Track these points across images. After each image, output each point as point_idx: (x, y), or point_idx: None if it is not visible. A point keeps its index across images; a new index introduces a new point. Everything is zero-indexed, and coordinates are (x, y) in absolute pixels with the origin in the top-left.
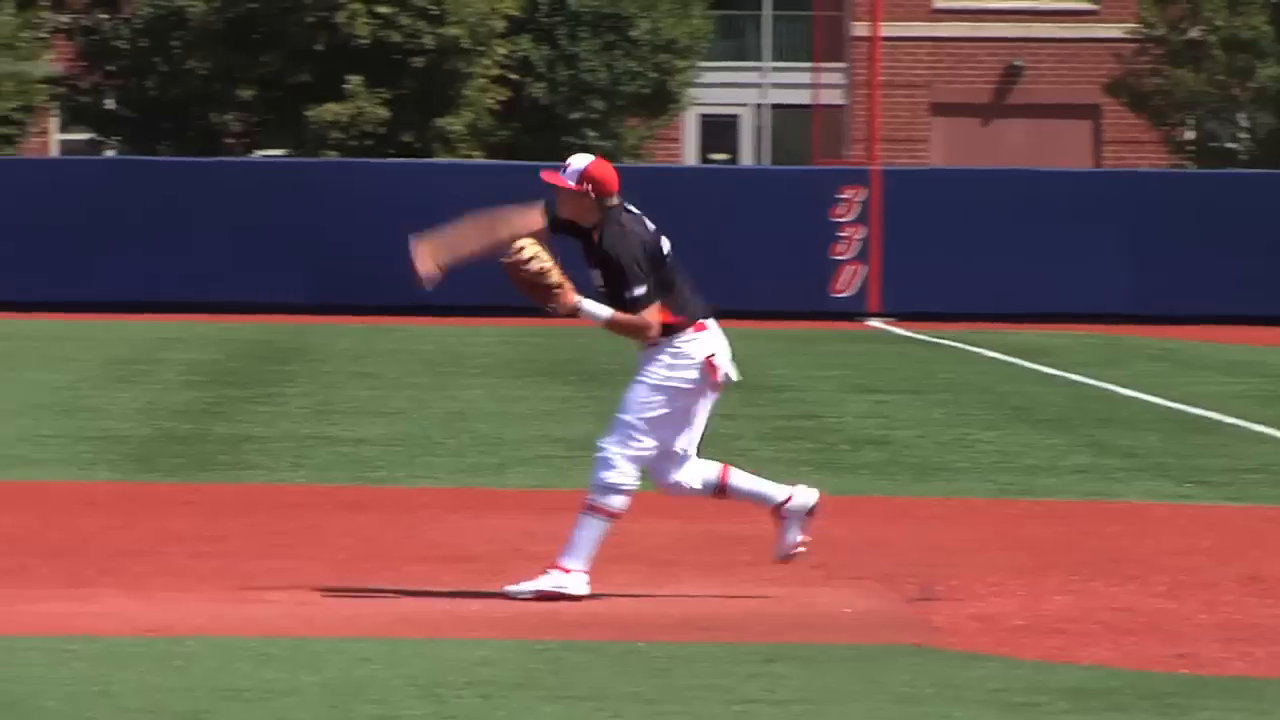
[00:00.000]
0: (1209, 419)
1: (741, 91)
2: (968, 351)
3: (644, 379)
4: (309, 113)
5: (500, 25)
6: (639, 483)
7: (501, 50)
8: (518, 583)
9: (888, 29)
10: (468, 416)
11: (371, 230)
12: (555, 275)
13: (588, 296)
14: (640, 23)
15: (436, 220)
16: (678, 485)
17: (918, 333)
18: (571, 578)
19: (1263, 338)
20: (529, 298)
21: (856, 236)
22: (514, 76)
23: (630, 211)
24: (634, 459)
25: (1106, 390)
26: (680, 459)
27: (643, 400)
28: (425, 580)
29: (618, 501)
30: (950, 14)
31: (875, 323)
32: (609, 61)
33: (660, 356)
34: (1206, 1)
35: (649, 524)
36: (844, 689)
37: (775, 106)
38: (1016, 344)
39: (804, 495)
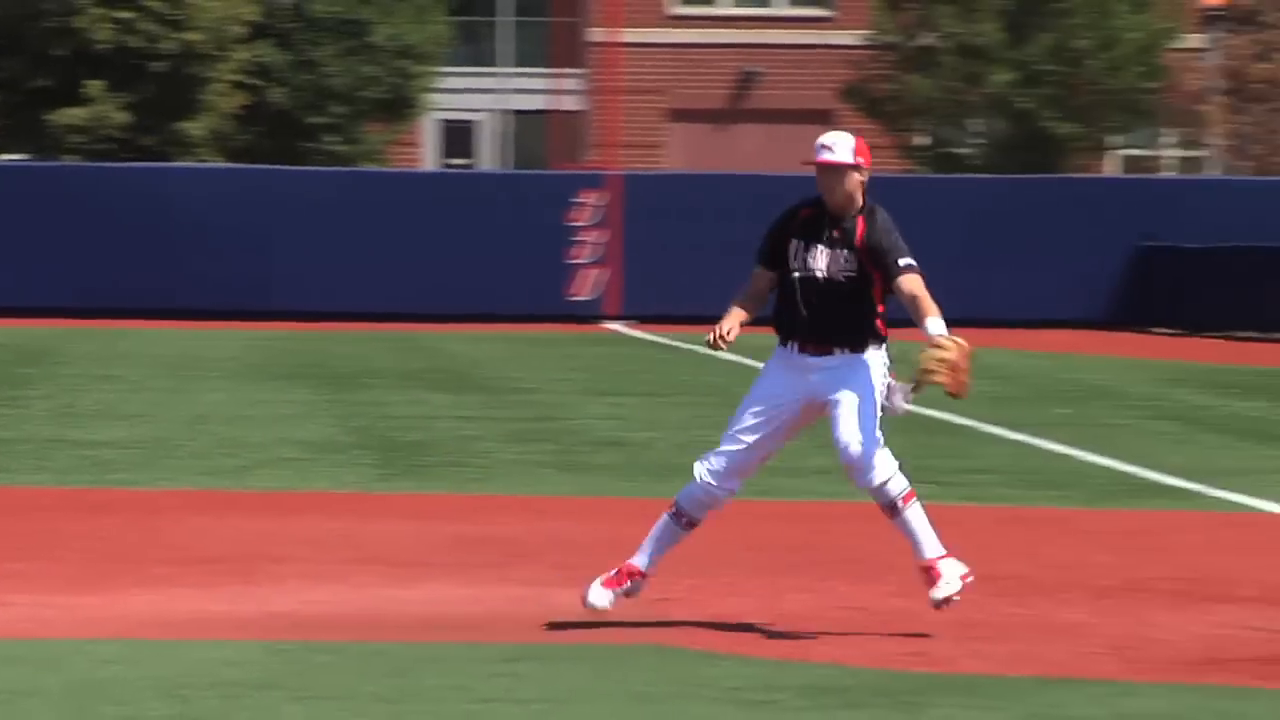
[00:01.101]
0: (942, 420)
1: (481, 97)
2: (704, 354)
3: (870, 390)
4: (49, 117)
5: (240, 31)
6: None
7: (241, 56)
8: (935, 588)
9: (625, 35)
10: (209, 419)
11: (111, 233)
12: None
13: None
14: (380, 29)
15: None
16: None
17: (656, 336)
18: (950, 564)
19: (991, 339)
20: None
21: (595, 241)
22: (254, 82)
23: None
24: (882, 449)
25: None
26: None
27: (866, 409)
28: (168, 582)
29: (901, 483)
30: (687, 20)
31: (614, 326)
32: (349, 67)
33: (881, 364)
34: (938, 8)
35: (391, 525)
36: (584, 688)
37: (514, 112)
38: (753, 346)
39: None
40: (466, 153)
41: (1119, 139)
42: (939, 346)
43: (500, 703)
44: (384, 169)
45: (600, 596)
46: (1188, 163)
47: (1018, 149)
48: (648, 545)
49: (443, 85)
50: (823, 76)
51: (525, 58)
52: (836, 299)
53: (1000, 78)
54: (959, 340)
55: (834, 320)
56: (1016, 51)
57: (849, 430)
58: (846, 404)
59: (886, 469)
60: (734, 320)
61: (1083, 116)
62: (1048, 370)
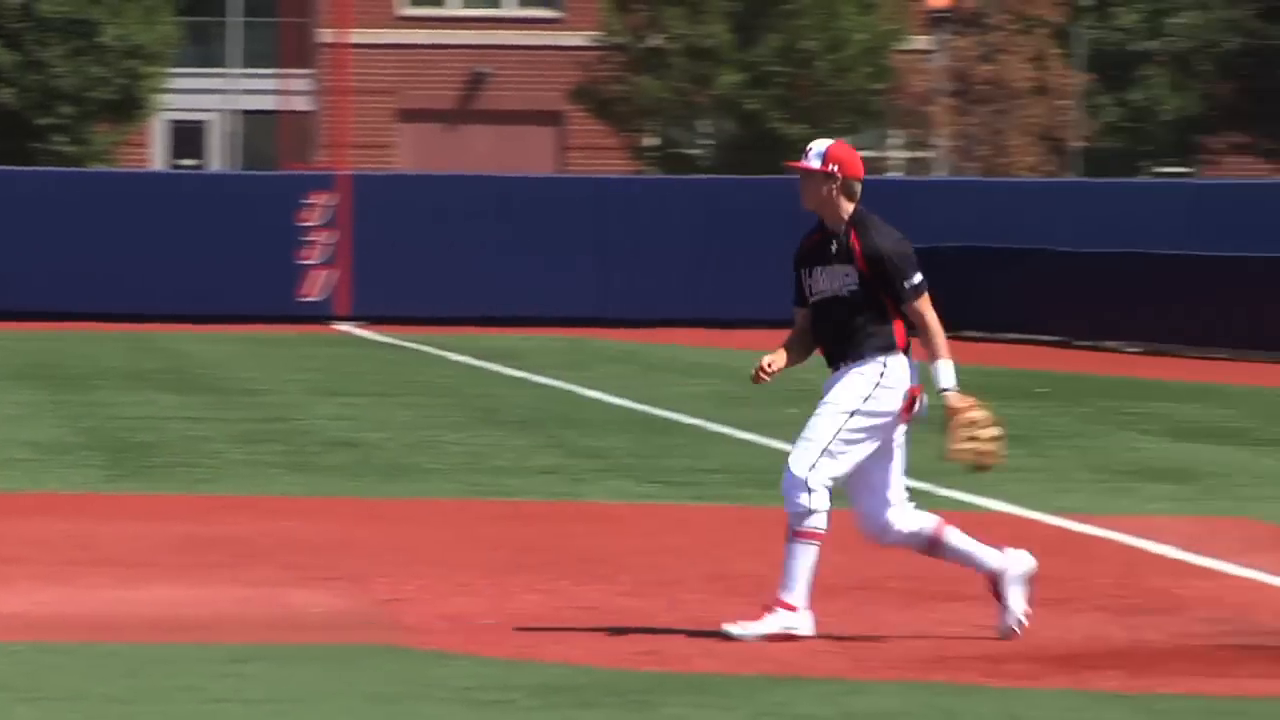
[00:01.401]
0: (671, 420)
1: (210, 97)
2: (436, 355)
3: (841, 401)
4: None
5: None
6: (830, 504)
7: None
8: (737, 623)
9: (355, 36)
10: None
11: None
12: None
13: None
14: (108, 29)
15: None
16: (886, 529)
17: (386, 336)
18: (798, 616)
19: (723, 340)
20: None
21: (325, 241)
22: None
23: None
24: (827, 484)
25: (572, 392)
26: (883, 496)
27: (840, 424)
28: None
29: (819, 522)
30: (416, 21)
31: (344, 326)
32: (77, 67)
33: (867, 376)
34: (667, 10)
35: (121, 526)
36: (315, 688)
37: (244, 112)
38: (484, 347)
39: (1019, 560)
40: (196, 153)
41: (848, 140)
42: (965, 422)
43: (230, 703)
44: (112, 169)
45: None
46: (915, 163)
47: (747, 150)
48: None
49: (172, 86)
50: (552, 77)
51: (254, 58)
52: (844, 314)
53: (729, 79)
54: (970, 404)
55: (841, 335)
56: (745, 53)
57: (794, 449)
58: (811, 418)
59: (808, 500)
60: (778, 354)
61: (811, 117)
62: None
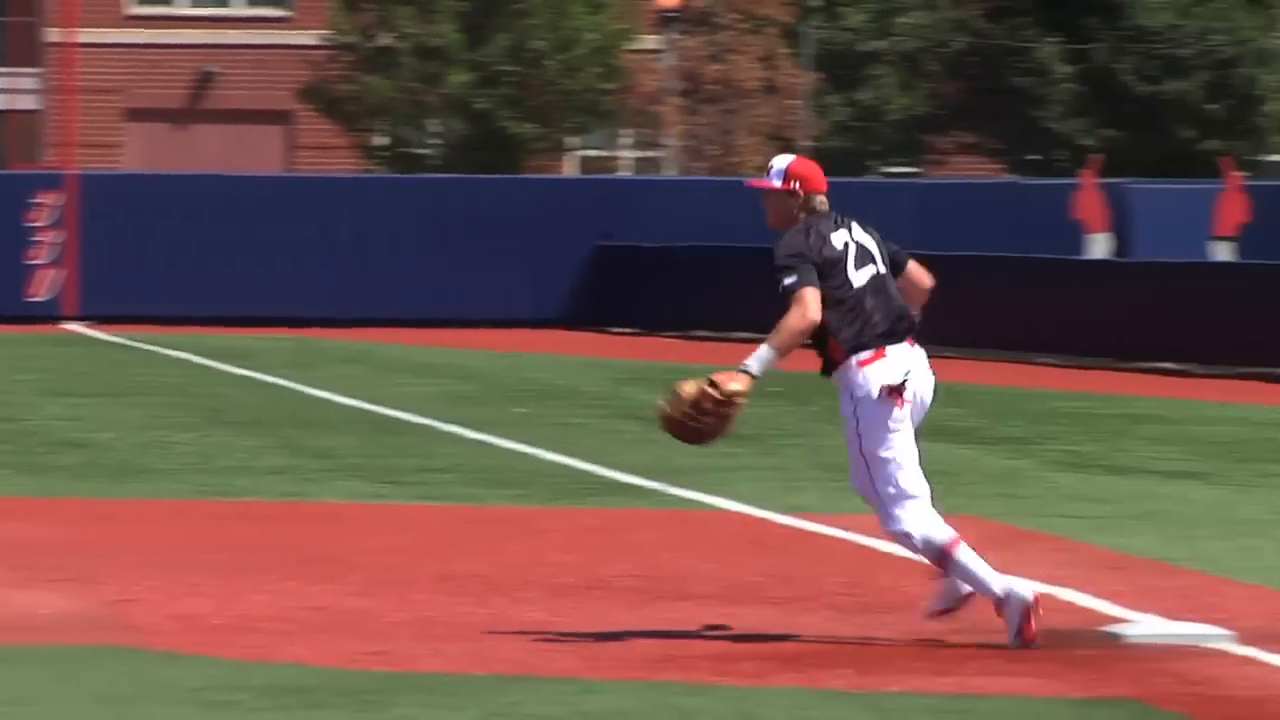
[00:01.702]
0: (401, 420)
1: None
2: (164, 354)
3: (852, 448)
4: None
5: None
6: (933, 512)
7: None
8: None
9: (83, 35)
10: None
11: None
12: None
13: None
14: None
15: None
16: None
17: (115, 336)
18: (1013, 600)
19: (454, 340)
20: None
21: (52, 241)
22: None
23: (839, 223)
24: (909, 504)
25: (302, 392)
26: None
27: (865, 468)
28: None
29: (939, 534)
30: (144, 20)
31: (72, 326)
32: None
33: (844, 410)
34: (396, 9)
35: None
36: (43, 689)
37: None
38: (213, 347)
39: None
40: None
41: (577, 139)
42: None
43: None
44: None
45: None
46: (645, 163)
47: (477, 149)
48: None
49: None
50: (281, 77)
51: None
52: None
53: (458, 78)
54: (720, 387)
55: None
56: (474, 52)
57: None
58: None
59: (912, 529)
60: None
61: (541, 116)
62: (506, 369)
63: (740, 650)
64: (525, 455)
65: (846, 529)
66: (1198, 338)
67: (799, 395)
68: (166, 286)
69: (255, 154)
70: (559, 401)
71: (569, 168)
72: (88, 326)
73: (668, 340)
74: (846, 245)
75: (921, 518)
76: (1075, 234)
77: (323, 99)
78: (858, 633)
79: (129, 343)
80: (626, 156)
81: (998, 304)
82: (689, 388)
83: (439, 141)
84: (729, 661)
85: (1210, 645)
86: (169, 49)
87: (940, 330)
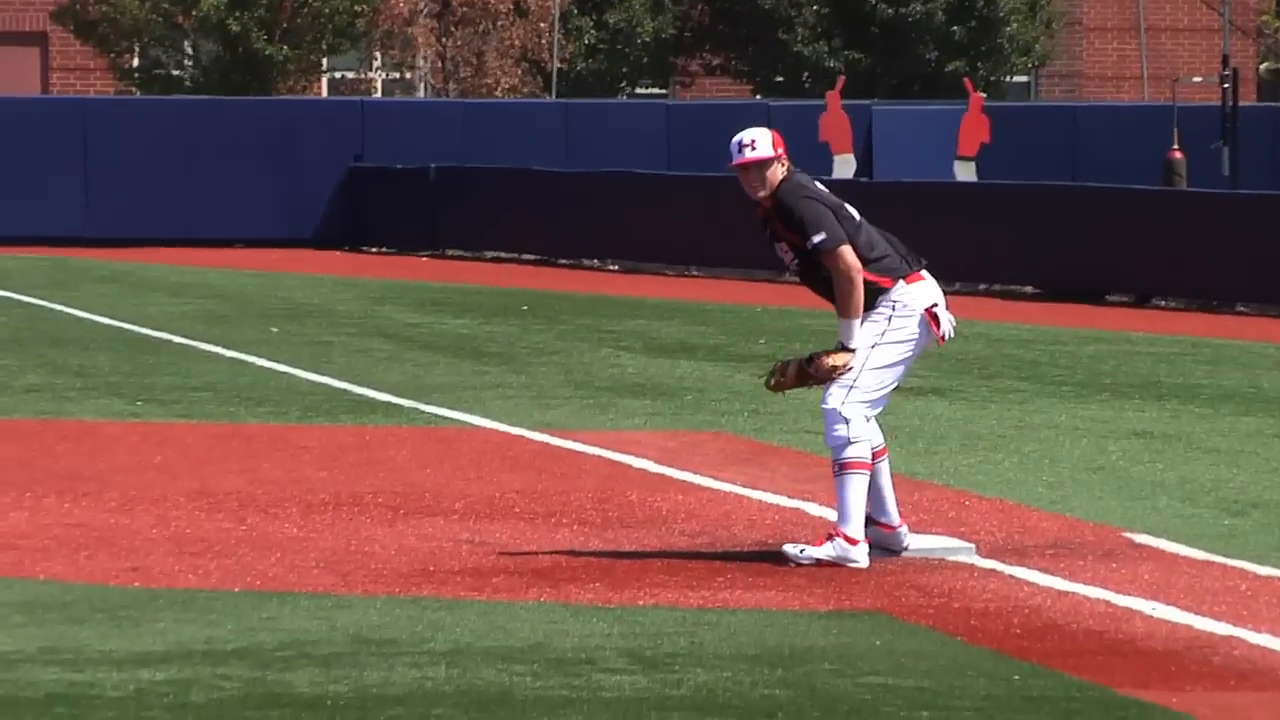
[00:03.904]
0: (158, 338)
1: None
2: None
3: (864, 340)
4: None
5: None
6: (875, 431)
7: None
8: (798, 544)
9: None
10: None
11: None
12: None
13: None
14: None
15: None
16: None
17: None
18: (858, 550)
19: (208, 259)
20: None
21: None
22: None
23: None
24: (867, 410)
25: (57, 311)
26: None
27: (863, 360)
28: None
29: (860, 451)
30: None
31: None
32: None
33: (878, 314)
34: None
35: None
36: None
37: None
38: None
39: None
40: None
41: (329, 61)
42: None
43: None
44: None
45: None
46: (397, 84)
47: (231, 71)
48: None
49: None
50: None
51: None
52: (815, 282)
53: (211, 1)
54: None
55: (826, 297)
56: None
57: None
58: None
59: (846, 430)
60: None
61: (294, 39)
62: (261, 289)
63: (493, 565)
64: (281, 374)
65: (597, 445)
66: (940, 256)
67: (549, 313)
68: None
69: (11, 76)
70: (314, 320)
71: (322, 89)
72: None
73: (420, 260)
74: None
75: (866, 427)
76: (823, 155)
77: (77, 20)
78: (608, 547)
79: None
80: (379, 78)
81: (745, 224)
82: (791, 370)
83: (193, 63)
84: (482, 576)
85: (953, 558)
86: None
87: (692, 250)
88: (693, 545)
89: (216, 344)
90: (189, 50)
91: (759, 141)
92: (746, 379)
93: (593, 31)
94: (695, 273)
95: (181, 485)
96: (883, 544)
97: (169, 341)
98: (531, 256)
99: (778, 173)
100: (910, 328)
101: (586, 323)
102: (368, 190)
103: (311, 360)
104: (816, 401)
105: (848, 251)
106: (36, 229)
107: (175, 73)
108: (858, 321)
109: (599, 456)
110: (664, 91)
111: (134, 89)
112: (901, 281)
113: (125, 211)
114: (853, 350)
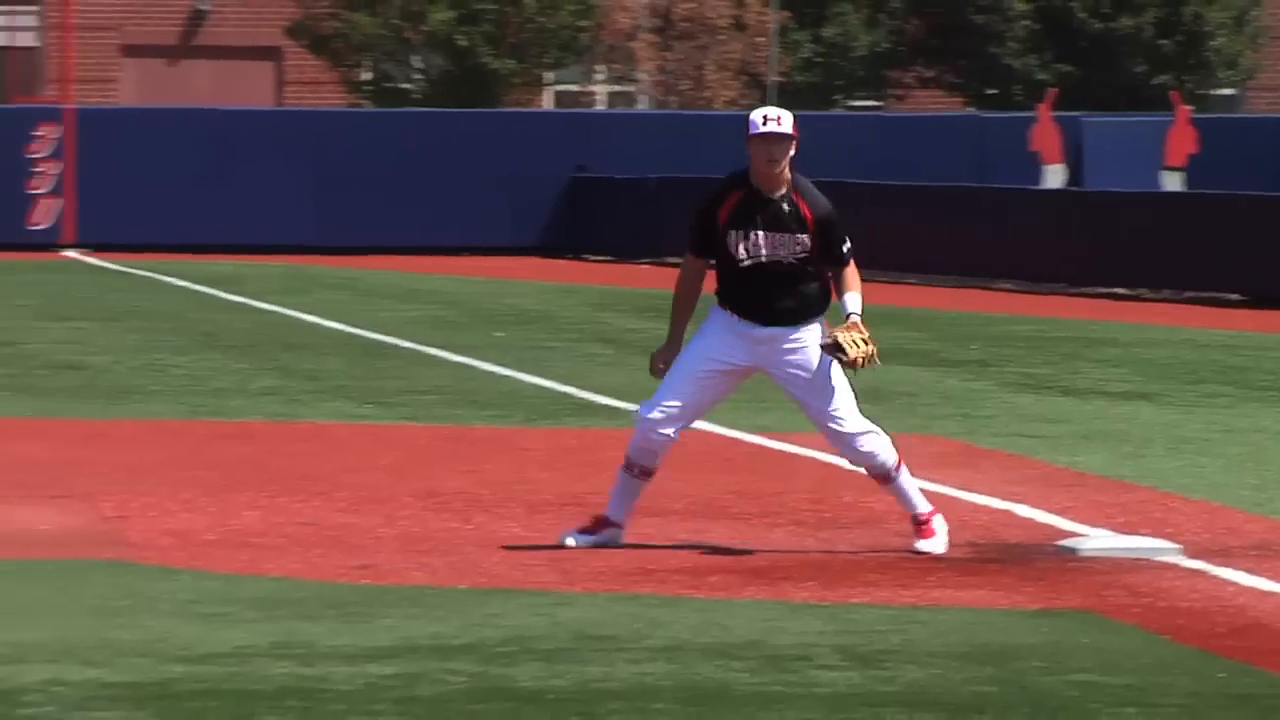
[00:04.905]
0: (387, 343)
1: None
2: (160, 281)
3: (829, 371)
4: None
5: None
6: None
7: None
8: (917, 541)
9: None
10: None
11: None
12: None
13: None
14: None
15: None
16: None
17: (112, 263)
18: (939, 519)
19: (435, 266)
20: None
21: (52, 172)
22: None
23: None
24: (861, 420)
25: (291, 317)
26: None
27: (838, 384)
28: None
29: (889, 451)
30: None
31: (71, 253)
32: None
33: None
34: None
35: None
36: (42, 602)
37: None
38: (206, 274)
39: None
40: None
41: (553, 75)
42: (857, 331)
43: None
44: None
45: (575, 539)
46: (618, 97)
47: (458, 84)
48: (616, 499)
49: None
50: (271, 14)
51: None
52: (788, 280)
53: (440, 16)
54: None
55: (785, 298)
56: None
57: (825, 411)
58: (811, 386)
59: (872, 442)
60: (669, 347)
61: (519, 53)
62: (486, 295)
63: (710, 564)
64: (505, 378)
65: (811, 447)
66: (1147, 264)
67: None
68: (160, 215)
69: (246, 89)
70: (537, 326)
71: (546, 102)
72: (85, 254)
73: (639, 267)
74: None
75: (874, 428)
76: (1032, 165)
77: (310, 35)
78: (822, 547)
79: (125, 269)
80: (601, 91)
81: (957, 232)
82: (850, 338)
83: (422, 77)
84: (699, 575)
85: (1159, 559)
86: None
87: (904, 257)
88: (904, 545)
89: (443, 349)
90: (418, 64)
91: (784, 119)
92: (958, 384)
93: (809, 45)
94: (910, 279)
95: (409, 485)
96: None
97: (397, 346)
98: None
99: (790, 156)
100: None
101: None
102: (590, 199)
103: (535, 365)
104: (1027, 407)
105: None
106: (270, 237)
107: (404, 86)
108: (857, 304)
109: (813, 459)
110: (878, 104)
111: (365, 102)
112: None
113: (355, 220)
114: (858, 316)
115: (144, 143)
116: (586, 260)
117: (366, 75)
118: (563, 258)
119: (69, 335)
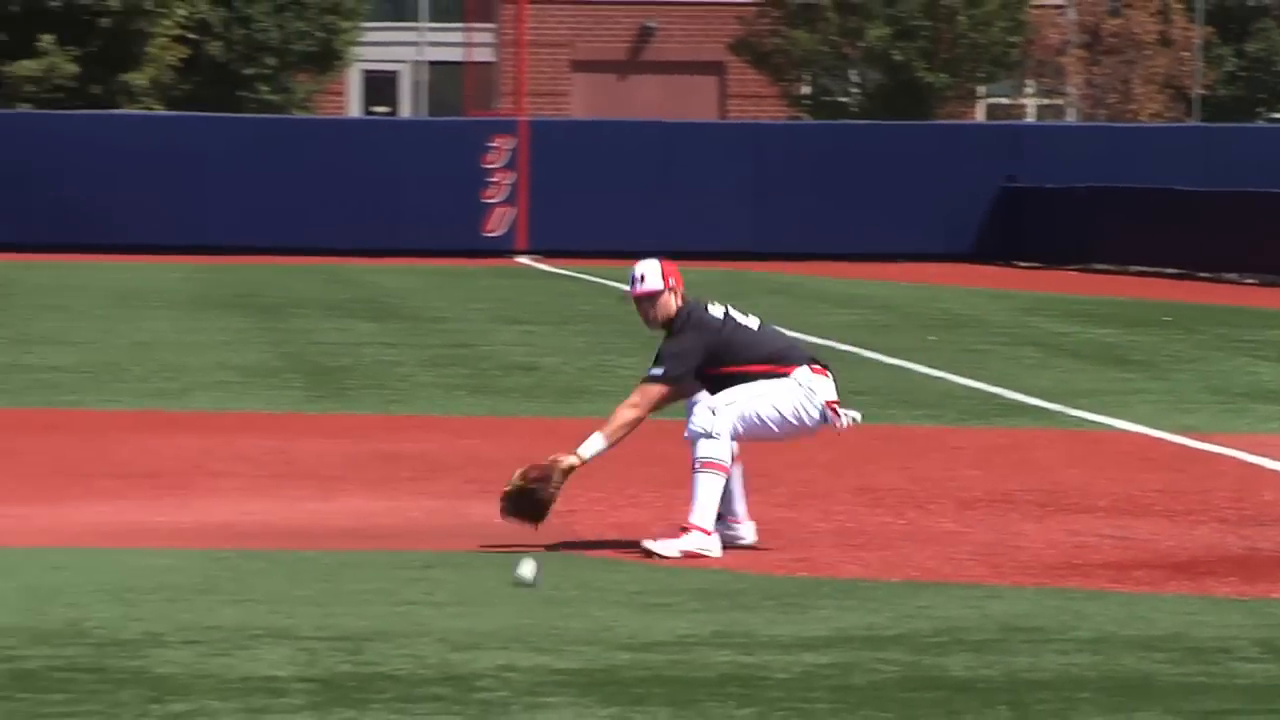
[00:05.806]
0: (824, 346)
1: (401, 49)
2: (606, 285)
3: (772, 387)
4: (5, 68)
5: None
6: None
7: (182, 12)
8: (656, 539)
9: None
10: (153, 346)
11: (64, 175)
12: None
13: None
14: None
15: (120, 166)
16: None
17: (561, 269)
18: (711, 540)
19: (869, 273)
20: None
21: (506, 181)
22: (194, 36)
23: (701, 307)
24: (733, 427)
25: None
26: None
27: (761, 411)
28: (115, 495)
29: (723, 452)
30: None
31: (523, 259)
32: (280, 22)
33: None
34: None
35: (319, 443)
36: (495, 591)
37: (431, 63)
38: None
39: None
40: (389, 101)
41: (984, 89)
42: (536, 469)
43: (420, 605)
44: (314, 116)
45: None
46: (1047, 110)
47: (893, 98)
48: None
49: (366, 39)
50: (715, 31)
51: (441, 13)
52: (706, 390)
53: (876, 32)
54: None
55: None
56: (892, 8)
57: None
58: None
59: (712, 424)
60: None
61: (952, 67)
62: (921, 300)
63: (1134, 559)
64: (937, 379)
65: (1233, 447)
66: None
67: (1191, 324)
68: (607, 223)
69: (690, 103)
70: (968, 329)
71: (977, 115)
72: (536, 260)
73: (1068, 273)
74: (726, 309)
75: (727, 435)
76: None
77: (752, 52)
78: (1244, 543)
79: (574, 274)
80: (1030, 104)
81: None
82: (520, 472)
83: (858, 90)
84: (1124, 569)
85: None
86: (612, 5)
87: None
88: None
89: (878, 351)
90: (855, 78)
91: (649, 275)
92: None
93: (1233, 59)
94: None
95: (845, 482)
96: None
97: (834, 349)
98: (1173, 270)
99: (670, 303)
100: (807, 406)
101: (1224, 333)
102: (1020, 208)
103: (966, 367)
104: None
105: (651, 389)
106: (711, 244)
107: (842, 99)
108: (605, 443)
109: (1235, 458)
110: None
111: (803, 115)
112: (804, 368)
113: (793, 228)
114: (581, 459)
115: (592, 153)
116: (1016, 267)
117: (806, 89)
118: (993, 264)
119: (521, 338)
